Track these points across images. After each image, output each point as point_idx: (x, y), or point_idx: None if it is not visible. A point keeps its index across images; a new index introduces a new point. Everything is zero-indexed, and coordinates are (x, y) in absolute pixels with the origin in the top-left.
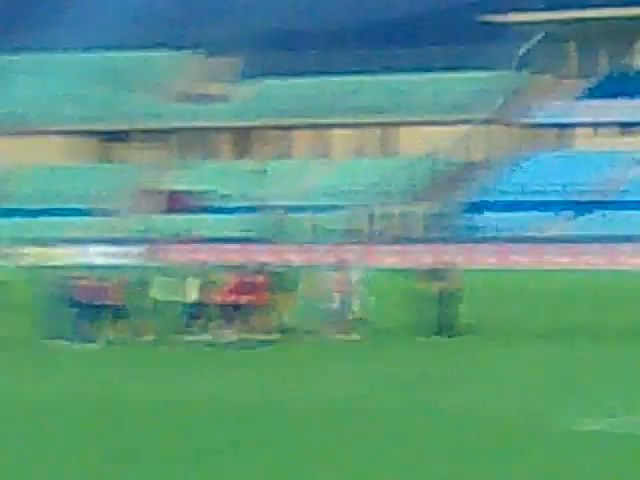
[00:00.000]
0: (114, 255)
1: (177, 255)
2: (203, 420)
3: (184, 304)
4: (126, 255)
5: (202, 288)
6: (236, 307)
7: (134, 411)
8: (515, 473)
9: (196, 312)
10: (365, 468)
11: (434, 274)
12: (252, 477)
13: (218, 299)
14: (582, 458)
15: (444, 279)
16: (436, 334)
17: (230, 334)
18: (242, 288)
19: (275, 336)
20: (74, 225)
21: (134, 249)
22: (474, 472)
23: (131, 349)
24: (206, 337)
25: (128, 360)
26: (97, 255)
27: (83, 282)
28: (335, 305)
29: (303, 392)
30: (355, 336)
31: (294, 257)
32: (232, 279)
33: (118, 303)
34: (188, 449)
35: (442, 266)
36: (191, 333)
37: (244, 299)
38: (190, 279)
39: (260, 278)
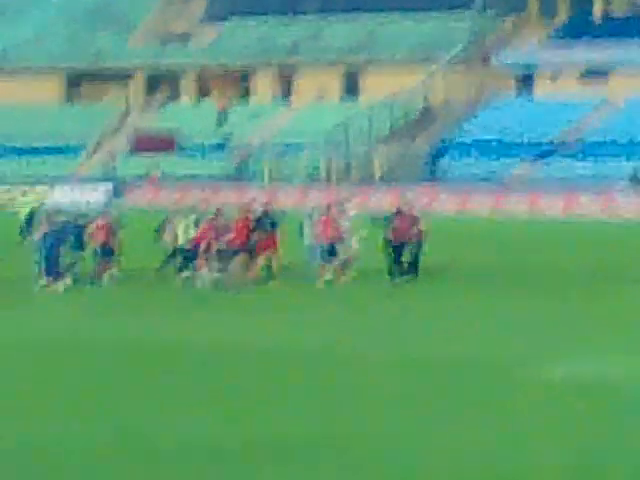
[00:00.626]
0: (80, 195)
1: (142, 194)
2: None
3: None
4: (92, 195)
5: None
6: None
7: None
8: (480, 417)
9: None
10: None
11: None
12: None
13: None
14: (544, 405)
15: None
16: (397, 277)
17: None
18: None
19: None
20: (40, 165)
21: (100, 188)
22: (432, 415)
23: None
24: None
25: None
26: (62, 195)
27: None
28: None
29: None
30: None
31: (257, 197)
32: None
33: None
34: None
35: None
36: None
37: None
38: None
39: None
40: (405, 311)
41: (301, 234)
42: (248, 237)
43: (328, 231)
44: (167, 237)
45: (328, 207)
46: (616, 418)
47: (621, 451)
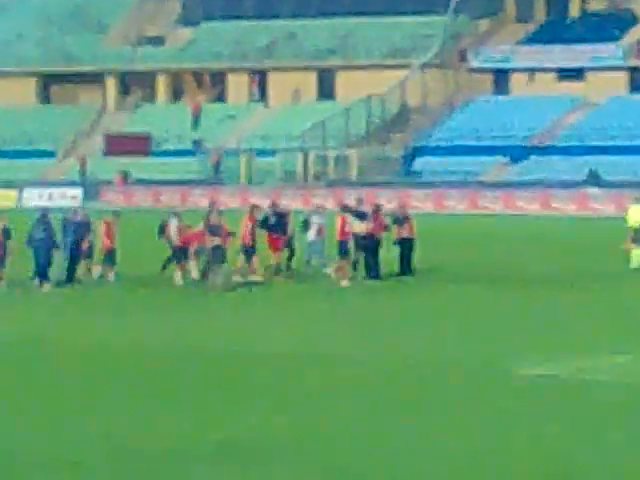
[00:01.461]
0: (51, 198)
1: (114, 197)
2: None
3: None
4: (63, 197)
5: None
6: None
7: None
8: (469, 416)
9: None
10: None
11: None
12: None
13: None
14: (530, 402)
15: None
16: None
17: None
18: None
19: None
20: (12, 168)
21: (72, 191)
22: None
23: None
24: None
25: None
26: (34, 198)
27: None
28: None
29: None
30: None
31: (230, 200)
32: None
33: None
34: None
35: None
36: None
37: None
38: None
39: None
40: (397, 310)
41: (304, 230)
42: (254, 237)
43: (344, 229)
44: (171, 235)
45: (345, 207)
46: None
47: (603, 450)
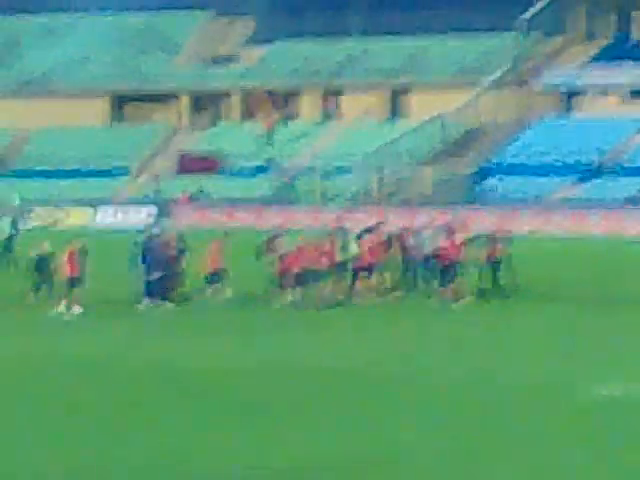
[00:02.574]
0: (125, 216)
1: (188, 216)
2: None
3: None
4: (137, 216)
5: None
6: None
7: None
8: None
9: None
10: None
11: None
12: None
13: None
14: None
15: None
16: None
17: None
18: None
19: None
20: (85, 187)
21: (145, 210)
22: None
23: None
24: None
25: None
26: (109, 216)
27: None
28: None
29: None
30: None
31: (304, 219)
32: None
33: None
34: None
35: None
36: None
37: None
38: None
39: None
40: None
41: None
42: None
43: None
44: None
45: (450, 230)
46: None
47: None
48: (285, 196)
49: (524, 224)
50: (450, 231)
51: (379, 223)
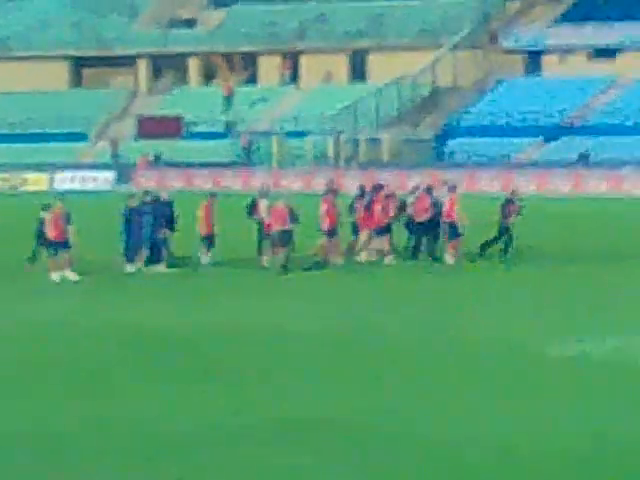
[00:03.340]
0: (83, 181)
1: (147, 180)
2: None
3: None
4: (95, 181)
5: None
6: None
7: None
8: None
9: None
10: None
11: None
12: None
13: None
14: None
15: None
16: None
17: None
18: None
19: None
20: (44, 151)
21: (104, 174)
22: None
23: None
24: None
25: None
26: (66, 181)
27: None
28: None
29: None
30: None
31: (262, 182)
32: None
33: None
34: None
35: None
36: None
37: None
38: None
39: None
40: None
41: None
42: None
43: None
44: (262, 215)
45: (454, 187)
46: None
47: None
48: (246, 159)
49: (487, 185)
50: (453, 190)
51: (379, 184)
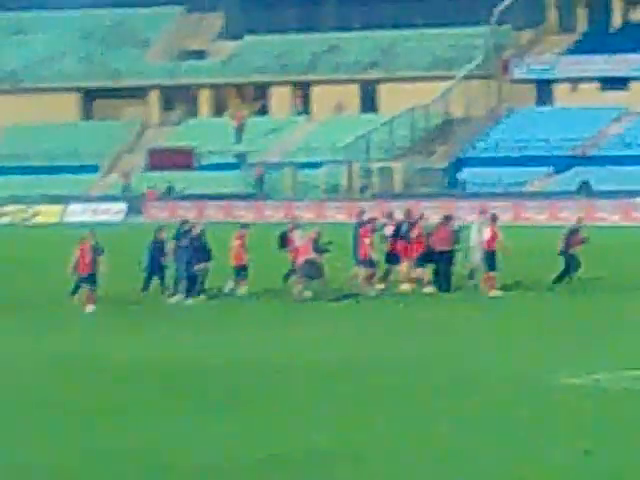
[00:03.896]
0: (95, 213)
1: (159, 212)
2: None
3: None
4: (107, 212)
5: None
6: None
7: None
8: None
9: None
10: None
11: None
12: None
13: None
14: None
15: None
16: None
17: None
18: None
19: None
20: (56, 183)
21: (115, 206)
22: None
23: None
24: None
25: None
26: (78, 212)
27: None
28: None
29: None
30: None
31: (274, 214)
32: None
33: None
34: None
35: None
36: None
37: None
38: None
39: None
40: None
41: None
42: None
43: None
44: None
45: (493, 217)
46: None
47: None
48: (258, 191)
49: (499, 215)
50: (494, 220)
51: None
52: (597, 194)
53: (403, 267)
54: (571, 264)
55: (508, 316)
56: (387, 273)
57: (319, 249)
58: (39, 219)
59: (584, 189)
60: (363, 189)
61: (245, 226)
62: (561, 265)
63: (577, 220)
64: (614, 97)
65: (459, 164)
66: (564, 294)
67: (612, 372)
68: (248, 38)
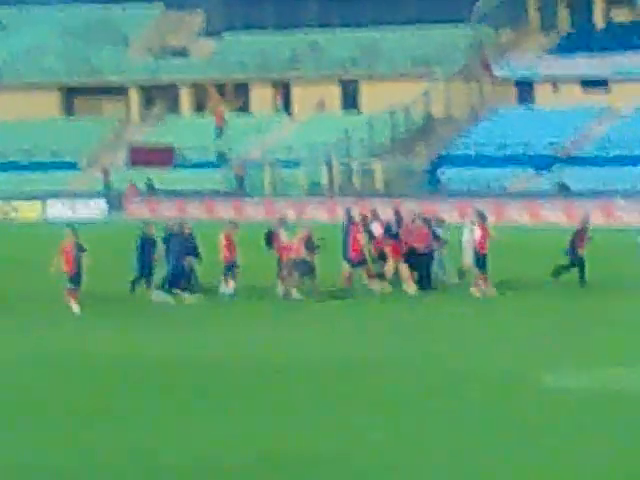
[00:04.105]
0: (75, 209)
1: (140, 209)
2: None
3: None
4: (87, 209)
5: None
6: None
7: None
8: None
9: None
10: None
11: None
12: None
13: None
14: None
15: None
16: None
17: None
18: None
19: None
20: (36, 180)
21: (95, 203)
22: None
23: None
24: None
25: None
26: (58, 209)
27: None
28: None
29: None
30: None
31: (255, 212)
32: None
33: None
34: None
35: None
36: None
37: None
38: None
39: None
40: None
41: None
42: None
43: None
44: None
45: (482, 216)
46: None
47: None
48: (238, 189)
49: None
50: (482, 218)
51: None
52: (577, 194)
53: (389, 266)
54: (581, 264)
55: (495, 314)
56: (380, 272)
57: (312, 246)
58: (19, 215)
59: (563, 189)
60: (343, 188)
61: (233, 224)
62: (566, 266)
63: (583, 220)
64: (596, 98)
65: (440, 163)
66: (552, 293)
67: (599, 371)
68: (229, 36)
